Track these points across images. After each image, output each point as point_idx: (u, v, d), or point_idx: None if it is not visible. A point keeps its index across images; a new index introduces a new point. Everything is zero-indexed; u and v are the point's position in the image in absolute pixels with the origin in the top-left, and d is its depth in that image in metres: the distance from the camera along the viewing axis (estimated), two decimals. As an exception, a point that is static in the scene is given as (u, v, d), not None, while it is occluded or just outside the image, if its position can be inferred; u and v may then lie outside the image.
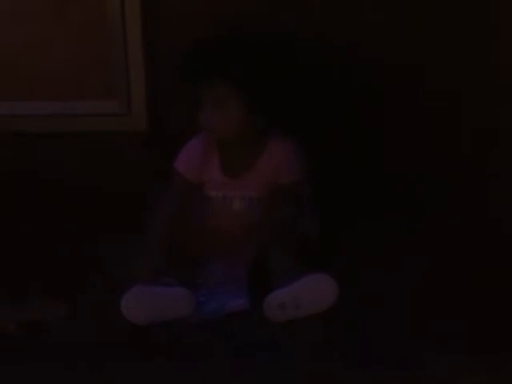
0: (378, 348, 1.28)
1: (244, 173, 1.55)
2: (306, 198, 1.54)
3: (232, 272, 1.49)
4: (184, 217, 1.55)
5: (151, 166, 1.84)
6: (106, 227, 1.75)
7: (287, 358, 1.28)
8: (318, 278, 1.38)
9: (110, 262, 1.63)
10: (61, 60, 1.90)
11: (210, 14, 1.79)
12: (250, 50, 1.48)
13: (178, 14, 1.81)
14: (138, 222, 1.56)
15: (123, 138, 1.88)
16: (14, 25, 1.89)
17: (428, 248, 1.64)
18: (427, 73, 1.77)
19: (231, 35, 1.56)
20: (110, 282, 1.52)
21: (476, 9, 1.72)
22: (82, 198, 1.87)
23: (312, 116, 1.76)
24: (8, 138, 1.88)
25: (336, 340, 1.34)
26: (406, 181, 1.81)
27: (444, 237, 1.69)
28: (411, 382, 1.19)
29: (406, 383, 1.19)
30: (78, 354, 1.30)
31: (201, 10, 1.80)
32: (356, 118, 1.81)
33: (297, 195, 1.52)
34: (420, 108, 1.80)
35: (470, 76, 1.75)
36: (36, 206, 1.88)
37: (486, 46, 1.74)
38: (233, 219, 1.55)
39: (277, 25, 1.74)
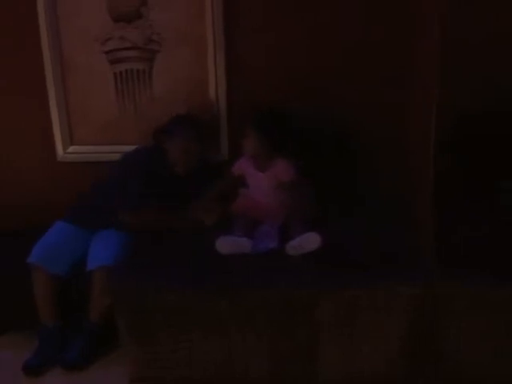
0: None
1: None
2: (306, 190, 2.94)
3: (270, 228, 2.92)
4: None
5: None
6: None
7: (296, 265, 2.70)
8: (312, 234, 2.74)
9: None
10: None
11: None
12: (280, 122, 2.97)
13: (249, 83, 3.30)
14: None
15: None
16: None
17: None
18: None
19: (275, 111, 3.02)
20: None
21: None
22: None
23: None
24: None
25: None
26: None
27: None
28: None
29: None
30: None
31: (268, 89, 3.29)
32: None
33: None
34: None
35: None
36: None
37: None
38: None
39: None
